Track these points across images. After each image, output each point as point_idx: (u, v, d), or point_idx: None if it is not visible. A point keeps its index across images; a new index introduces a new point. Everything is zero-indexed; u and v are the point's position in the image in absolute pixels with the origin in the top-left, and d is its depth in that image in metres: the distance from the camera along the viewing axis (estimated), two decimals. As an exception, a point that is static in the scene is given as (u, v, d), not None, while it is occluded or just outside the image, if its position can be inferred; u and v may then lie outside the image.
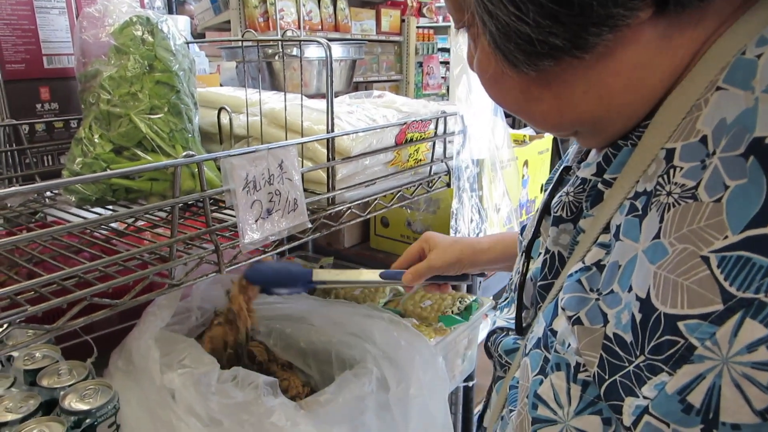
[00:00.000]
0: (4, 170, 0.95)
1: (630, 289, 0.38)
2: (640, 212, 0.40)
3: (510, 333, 0.62)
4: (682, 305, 0.34)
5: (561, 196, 0.51)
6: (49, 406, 0.71)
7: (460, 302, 1.20)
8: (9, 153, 0.95)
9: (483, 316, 1.35)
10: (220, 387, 0.72)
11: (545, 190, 0.67)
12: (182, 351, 0.79)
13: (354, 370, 0.84)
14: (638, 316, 0.36)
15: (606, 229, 0.44)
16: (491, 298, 1.28)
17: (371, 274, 0.91)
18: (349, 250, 1.55)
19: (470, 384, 1.39)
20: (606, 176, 0.46)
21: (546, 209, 0.56)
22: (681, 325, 0.33)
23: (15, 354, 0.78)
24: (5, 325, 0.52)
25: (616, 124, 0.45)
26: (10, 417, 0.67)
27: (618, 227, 0.42)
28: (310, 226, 0.76)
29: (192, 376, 0.73)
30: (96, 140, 0.82)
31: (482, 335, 1.68)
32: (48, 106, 1.03)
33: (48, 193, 0.94)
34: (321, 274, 0.92)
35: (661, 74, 0.41)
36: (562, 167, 0.59)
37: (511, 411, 0.52)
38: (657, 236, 0.37)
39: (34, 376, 0.76)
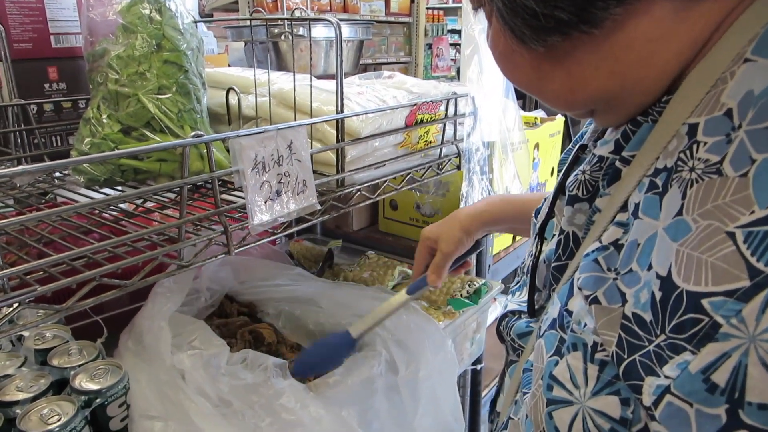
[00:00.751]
0: (13, 150, 0.94)
1: (650, 268, 0.37)
2: (660, 189, 0.39)
3: (522, 316, 0.61)
4: (706, 282, 0.33)
5: (576, 174, 0.50)
6: (60, 386, 0.71)
7: (469, 286, 1.19)
8: (18, 133, 0.95)
9: (492, 299, 1.35)
10: (229, 368, 0.72)
11: (558, 171, 0.66)
12: (192, 332, 0.79)
13: (363, 352, 0.84)
14: (659, 295, 0.35)
15: (624, 208, 0.43)
16: (500, 281, 1.28)
17: (400, 297, 0.88)
18: (358, 233, 1.54)
19: (478, 367, 1.39)
20: (624, 154, 0.45)
21: (560, 189, 0.56)
22: (705, 302, 0.33)
23: (25, 334, 0.78)
24: (15, 305, 0.52)
25: (632, 101, 0.44)
26: (21, 396, 0.67)
27: (637, 205, 0.41)
28: (319, 207, 0.76)
29: (202, 358, 0.73)
30: (104, 120, 0.81)
31: (491, 319, 1.68)
32: (56, 86, 1.03)
33: (57, 174, 0.94)
34: (358, 327, 0.87)
35: (678, 47, 0.40)
36: (577, 146, 0.58)
37: (524, 394, 0.51)
38: (679, 213, 0.36)
39: (44, 355, 0.76)
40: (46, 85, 1.02)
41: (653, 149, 0.41)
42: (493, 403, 0.66)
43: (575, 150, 0.57)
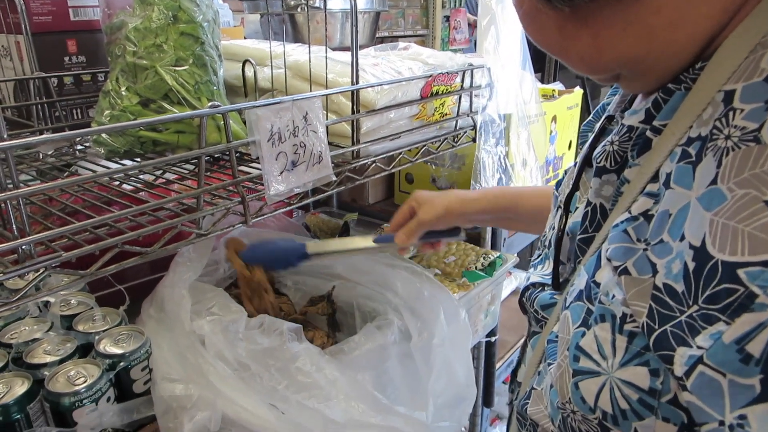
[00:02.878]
0: (35, 123, 0.96)
1: (682, 238, 0.37)
2: (694, 158, 0.38)
3: (546, 288, 0.61)
4: (742, 252, 0.33)
5: (605, 145, 0.49)
6: (85, 350, 0.74)
7: (484, 258, 1.20)
8: (39, 106, 0.97)
9: (507, 273, 1.35)
10: (247, 333, 0.74)
11: (579, 144, 0.65)
12: (211, 300, 0.81)
13: (377, 322, 0.86)
14: (692, 265, 0.35)
15: (654, 178, 0.42)
16: (515, 254, 1.28)
17: (364, 241, 0.90)
18: (373, 206, 1.55)
19: (493, 339, 1.40)
20: (655, 123, 0.44)
21: (586, 161, 0.55)
22: (741, 272, 0.32)
23: (51, 300, 0.81)
24: (42, 270, 0.54)
25: (660, 65, 0.43)
26: (48, 359, 0.70)
27: (668, 175, 0.40)
28: (334, 179, 0.77)
29: (221, 323, 0.75)
30: (123, 93, 0.82)
31: (506, 292, 1.69)
32: (75, 59, 1.04)
33: (79, 147, 0.95)
34: (315, 246, 0.91)
35: (709, 10, 0.39)
36: (603, 117, 0.57)
37: (549, 365, 0.51)
38: (713, 182, 0.35)
39: (70, 321, 0.79)
40: (66, 59, 1.03)
41: (687, 118, 0.40)
42: (514, 373, 0.67)
43: (602, 121, 0.56)
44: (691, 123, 0.40)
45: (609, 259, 0.42)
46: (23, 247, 0.52)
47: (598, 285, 0.44)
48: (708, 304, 0.34)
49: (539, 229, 0.70)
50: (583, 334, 0.44)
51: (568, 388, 0.44)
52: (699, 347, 0.34)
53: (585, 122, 0.65)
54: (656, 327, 0.37)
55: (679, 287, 0.36)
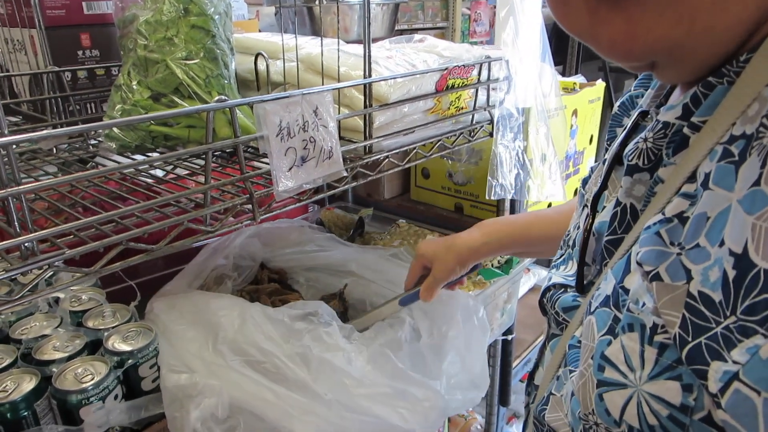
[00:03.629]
0: (49, 117, 0.96)
1: (722, 244, 0.34)
2: (737, 158, 0.35)
3: (568, 290, 0.59)
4: None
5: (637, 142, 0.47)
6: (94, 347, 0.74)
7: (500, 255, 1.17)
8: (53, 100, 0.97)
9: (525, 270, 1.33)
10: (255, 324, 0.73)
11: (608, 140, 0.62)
12: (220, 298, 0.80)
13: (389, 319, 0.84)
14: (731, 273, 0.33)
15: (691, 179, 0.39)
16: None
17: (392, 307, 0.89)
18: (389, 201, 1.53)
19: (509, 338, 1.38)
20: (694, 119, 0.41)
21: (617, 158, 0.52)
22: None
23: (61, 296, 0.81)
24: (45, 267, 0.53)
25: (699, 53, 0.40)
26: (57, 355, 0.70)
27: (707, 175, 0.37)
28: (345, 174, 0.75)
29: (229, 317, 0.74)
30: (134, 87, 0.82)
31: (524, 289, 1.66)
32: (89, 53, 1.04)
33: (92, 141, 0.95)
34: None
35: None
36: (637, 112, 0.54)
37: (571, 372, 0.49)
38: (756, 183, 0.33)
39: (79, 317, 0.78)
40: (80, 53, 1.03)
41: (729, 114, 0.37)
42: (531, 376, 0.65)
43: (635, 117, 0.53)
44: (734, 120, 0.37)
45: (639, 264, 0.40)
46: (26, 244, 0.51)
47: (626, 291, 0.41)
48: (747, 315, 0.32)
49: (553, 253, 0.67)
50: (609, 343, 0.42)
51: (592, 398, 0.42)
52: (735, 362, 0.32)
53: (612, 116, 0.62)
54: (690, 339, 0.35)
55: (717, 296, 0.34)
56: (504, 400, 1.51)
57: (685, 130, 0.42)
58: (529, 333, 1.59)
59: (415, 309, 0.86)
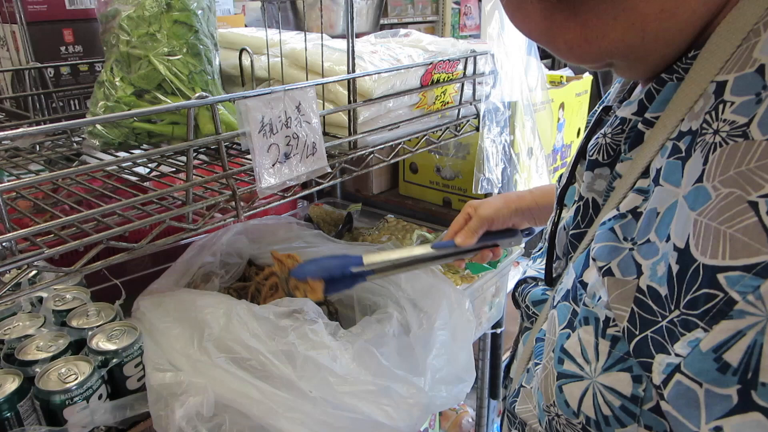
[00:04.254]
0: (32, 114, 0.95)
1: (668, 239, 0.35)
2: (684, 154, 0.36)
3: (539, 283, 0.60)
4: (723, 256, 0.31)
5: (597, 138, 0.48)
6: (78, 346, 0.73)
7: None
8: (36, 97, 0.96)
9: (513, 263, 1.33)
10: (241, 321, 0.72)
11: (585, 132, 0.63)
12: (206, 296, 0.80)
13: (376, 315, 0.84)
14: (675, 268, 0.34)
15: (645, 174, 0.40)
16: (522, 246, 1.26)
17: (423, 249, 0.83)
18: (378, 196, 1.53)
19: (498, 331, 1.38)
20: (647, 115, 0.42)
21: (582, 153, 0.53)
22: (721, 277, 0.31)
23: (44, 295, 0.80)
24: (25, 267, 0.53)
25: (655, 53, 0.41)
26: (40, 355, 0.69)
27: (658, 171, 0.38)
28: (329, 170, 0.74)
29: (215, 314, 0.73)
30: (117, 83, 0.81)
31: (512, 284, 1.67)
32: (72, 49, 1.02)
33: (76, 138, 0.94)
34: (372, 258, 0.82)
35: None
36: (601, 107, 0.55)
37: (536, 364, 0.50)
38: (699, 180, 0.33)
39: (63, 316, 0.78)
40: (62, 48, 1.02)
41: (678, 110, 0.38)
42: (507, 368, 0.66)
43: (599, 111, 0.54)
44: (682, 116, 0.38)
45: (594, 259, 0.41)
46: (4, 243, 0.51)
47: (584, 285, 0.42)
48: (688, 309, 0.32)
49: None
50: (568, 336, 0.43)
51: (553, 390, 0.43)
52: (677, 355, 0.33)
53: (591, 112, 0.63)
54: (637, 332, 0.36)
55: (663, 290, 0.34)
56: (494, 393, 1.52)
57: (640, 125, 0.43)
58: (518, 326, 1.59)
59: (403, 300, 0.86)
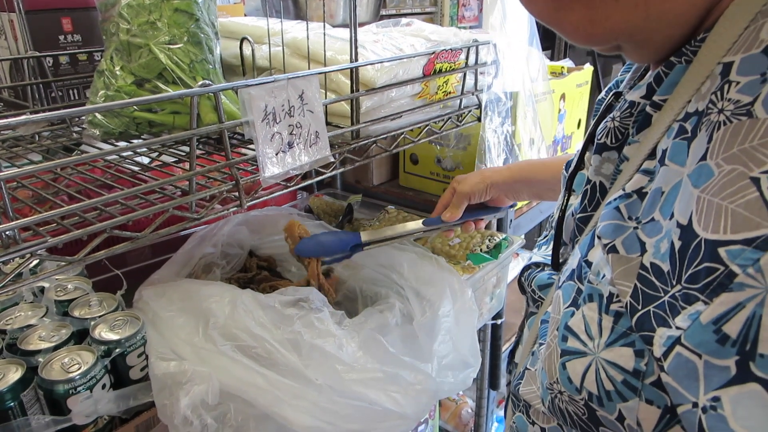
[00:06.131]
0: (31, 104, 0.94)
1: (672, 217, 0.36)
2: (690, 134, 0.37)
3: (545, 268, 0.61)
4: (724, 230, 0.31)
5: (606, 122, 0.48)
6: (81, 336, 0.73)
7: (489, 240, 1.17)
8: (35, 86, 0.95)
9: (513, 254, 1.33)
10: (246, 310, 0.72)
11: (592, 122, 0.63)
12: (208, 285, 0.80)
13: (378, 305, 0.84)
14: (678, 244, 0.34)
15: (651, 155, 0.41)
16: (522, 236, 1.26)
17: (415, 224, 0.93)
18: (378, 187, 1.52)
19: (499, 322, 1.38)
20: (655, 98, 0.43)
21: (590, 138, 0.54)
22: (722, 251, 0.31)
23: (46, 285, 0.80)
24: (27, 256, 0.53)
25: (660, 34, 0.41)
26: (43, 345, 0.69)
27: (664, 152, 0.39)
28: (332, 160, 0.74)
29: (218, 303, 0.73)
30: (117, 72, 0.80)
31: (512, 274, 1.67)
32: (71, 38, 1.02)
33: (76, 128, 0.93)
34: (368, 235, 0.92)
35: None
36: (612, 93, 0.55)
37: (541, 344, 0.51)
38: (703, 158, 0.34)
39: (66, 306, 0.77)
40: (61, 37, 1.01)
41: (686, 92, 0.39)
42: (512, 354, 0.66)
43: (609, 97, 0.55)
44: (689, 97, 0.39)
45: (599, 237, 0.42)
46: (7, 232, 0.50)
47: (589, 264, 0.43)
48: (689, 283, 0.33)
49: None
50: (572, 314, 0.43)
51: (556, 368, 0.44)
52: (678, 328, 0.33)
53: (597, 101, 0.63)
54: (639, 307, 0.37)
55: (666, 267, 0.35)
56: (494, 384, 1.52)
57: (648, 108, 0.43)
58: (518, 317, 1.59)
59: (406, 288, 0.86)
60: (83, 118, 0.86)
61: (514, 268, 1.68)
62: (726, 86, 0.35)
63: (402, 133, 0.90)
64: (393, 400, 0.68)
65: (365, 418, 0.67)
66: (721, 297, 0.31)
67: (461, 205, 0.91)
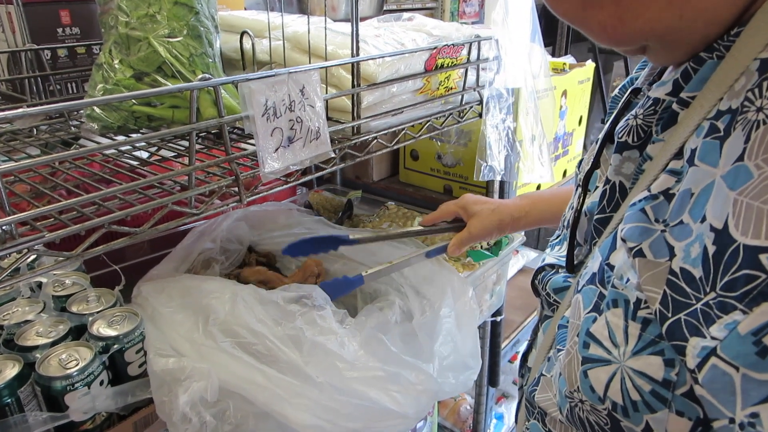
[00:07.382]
0: (29, 97, 0.94)
1: (703, 220, 0.34)
2: (722, 133, 0.35)
3: (560, 270, 0.58)
4: (766, 236, 0.30)
5: (628, 119, 0.46)
6: (78, 332, 0.72)
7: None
8: (33, 79, 0.94)
9: (513, 252, 1.32)
10: (244, 306, 0.72)
11: (607, 120, 0.62)
12: (205, 281, 0.79)
13: (378, 302, 0.84)
14: (711, 249, 0.32)
15: (678, 155, 0.39)
16: (522, 233, 1.25)
17: (419, 257, 0.89)
18: (378, 183, 1.52)
19: (498, 319, 1.38)
20: (683, 95, 0.40)
21: (608, 136, 0.52)
22: (763, 258, 0.30)
23: (44, 280, 0.79)
24: (24, 251, 0.52)
25: (693, 35, 0.39)
26: (40, 341, 0.68)
27: (693, 151, 0.37)
28: (333, 155, 0.73)
29: (217, 299, 0.72)
30: (116, 65, 0.79)
31: (512, 271, 1.66)
32: (69, 31, 1.01)
33: (74, 122, 0.93)
34: (372, 270, 0.88)
35: None
36: (630, 90, 0.53)
37: (558, 351, 0.49)
38: (740, 158, 0.32)
39: (63, 302, 0.77)
40: (59, 30, 1.00)
41: (717, 89, 0.37)
42: (524, 357, 0.65)
43: (627, 94, 0.53)
44: (721, 95, 0.36)
45: (624, 240, 0.40)
46: (4, 227, 0.50)
47: (612, 268, 0.41)
48: (726, 291, 0.31)
49: None
50: (594, 320, 0.41)
51: (577, 376, 0.42)
52: (713, 338, 0.32)
53: (612, 98, 0.62)
54: (670, 315, 0.35)
55: (697, 273, 0.33)
56: (493, 381, 1.52)
57: (674, 106, 0.41)
58: (518, 314, 1.59)
59: (407, 287, 0.86)
60: (81, 111, 0.85)
61: (514, 265, 1.68)
62: (765, 83, 0.33)
63: (403, 129, 0.90)
64: (394, 399, 0.67)
65: (366, 416, 0.66)
66: (762, 306, 0.29)
67: (469, 244, 0.90)
